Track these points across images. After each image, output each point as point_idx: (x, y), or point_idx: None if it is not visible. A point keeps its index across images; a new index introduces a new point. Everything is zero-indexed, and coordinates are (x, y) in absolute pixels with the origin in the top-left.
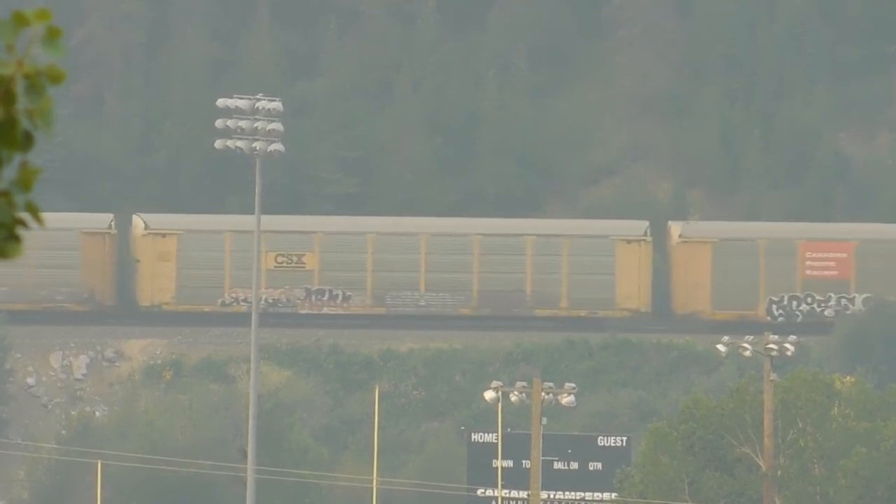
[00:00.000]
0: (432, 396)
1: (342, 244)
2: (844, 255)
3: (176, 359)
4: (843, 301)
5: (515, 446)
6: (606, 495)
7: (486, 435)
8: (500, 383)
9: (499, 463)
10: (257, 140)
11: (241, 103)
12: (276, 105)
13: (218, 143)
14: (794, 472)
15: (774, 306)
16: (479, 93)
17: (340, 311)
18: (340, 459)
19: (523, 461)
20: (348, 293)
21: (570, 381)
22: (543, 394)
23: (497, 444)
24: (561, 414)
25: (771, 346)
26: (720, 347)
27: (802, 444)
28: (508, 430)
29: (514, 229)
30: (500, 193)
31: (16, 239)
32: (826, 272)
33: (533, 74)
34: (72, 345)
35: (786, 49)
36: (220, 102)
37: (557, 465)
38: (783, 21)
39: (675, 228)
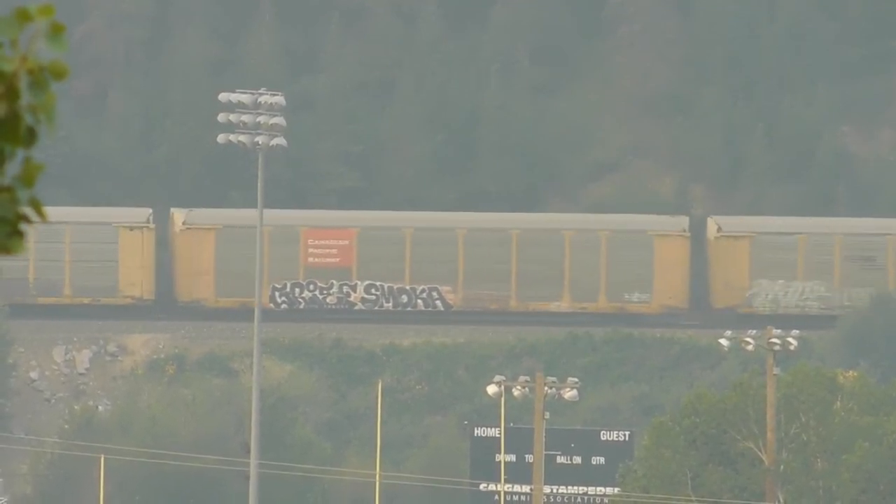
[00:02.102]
0: (435, 391)
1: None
2: (346, 242)
3: (179, 353)
4: (346, 288)
5: (518, 441)
6: (609, 490)
7: (488, 429)
8: (502, 378)
9: (501, 457)
10: (260, 134)
11: (244, 98)
12: (279, 99)
13: (220, 138)
14: (797, 466)
15: (277, 293)
16: (481, 91)
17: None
18: (343, 454)
19: (526, 456)
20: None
21: (572, 376)
22: (546, 388)
23: (500, 438)
24: (564, 408)
25: (774, 340)
26: (723, 342)
27: (805, 438)
28: (511, 424)
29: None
30: (502, 191)
31: (18, 234)
32: (328, 259)
33: (534, 73)
34: (75, 339)
35: (787, 47)
36: (223, 97)
37: (560, 460)
38: (784, 19)
39: (179, 216)
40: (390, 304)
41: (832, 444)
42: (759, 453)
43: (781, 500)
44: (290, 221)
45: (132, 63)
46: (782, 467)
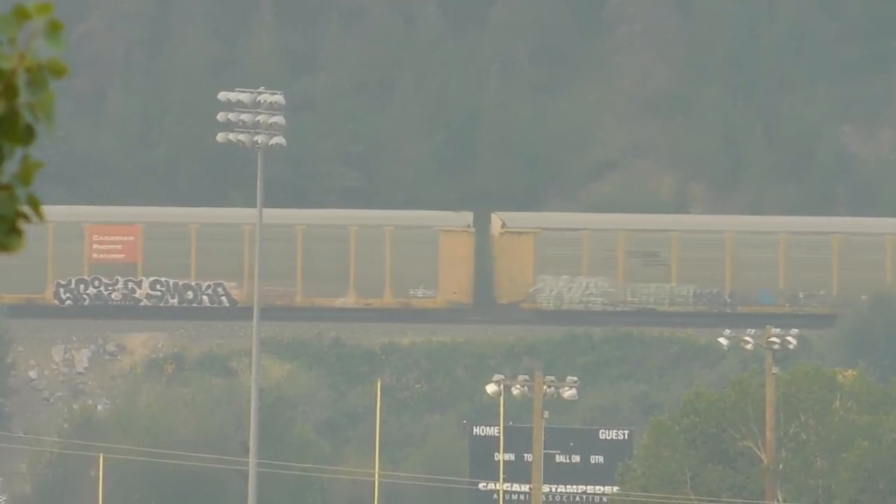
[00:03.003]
0: (434, 390)
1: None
2: (131, 238)
3: (178, 352)
4: (131, 284)
5: (517, 440)
6: (608, 489)
7: (487, 428)
8: (501, 377)
9: (500, 456)
10: (259, 134)
11: (243, 97)
12: (278, 98)
13: (219, 137)
14: (796, 465)
15: (62, 290)
16: (481, 91)
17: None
18: (342, 453)
19: (525, 455)
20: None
21: (571, 375)
22: (545, 387)
23: (499, 437)
24: (563, 407)
25: (773, 339)
26: (722, 341)
27: (804, 437)
28: (510, 423)
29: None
30: (502, 191)
31: (17, 232)
32: (113, 255)
33: (534, 73)
34: (73, 338)
35: (787, 47)
36: (222, 96)
37: (559, 459)
38: (784, 19)
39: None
40: (175, 301)
41: (831, 443)
42: (759, 452)
43: (781, 499)
44: (75, 217)
45: (132, 62)
46: (781, 466)
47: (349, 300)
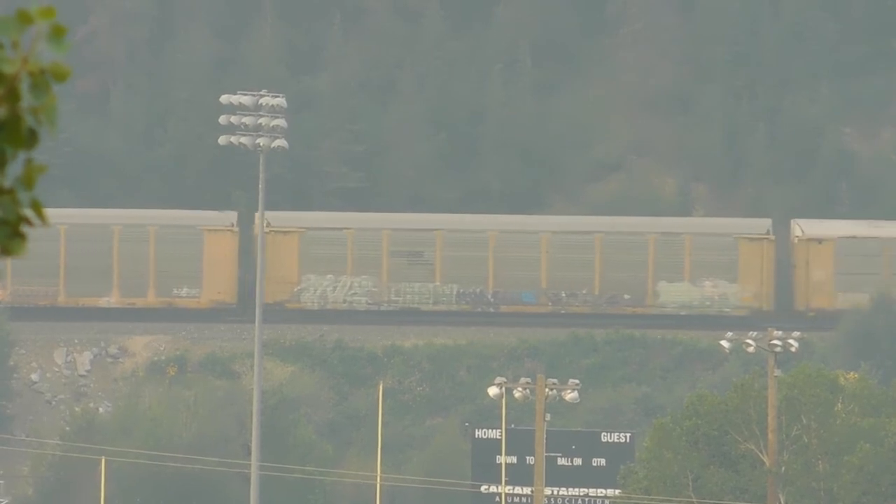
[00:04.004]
0: (436, 392)
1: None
2: None
3: (180, 355)
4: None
5: (519, 442)
6: (610, 491)
7: (489, 431)
8: (503, 379)
9: (502, 459)
10: (261, 136)
11: (245, 99)
12: (280, 101)
13: (222, 139)
14: (799, 467)
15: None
16: (484, 89)
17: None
18: (344, 455)
19: (527, 457)
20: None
21: (574, 377)
22: (547, 390)
23: (501, 440)
24: (565, 410)
25: (775, 342)
26: (724, 343)
27: (806, 439)
28: (512, 426)
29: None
30: (505, 190)
31: (20, 236)
32: None
33: (537, 71)
34: (76, 341)
35: (789, 45)
36: (224, 99)
37: (561, 462)
38: (786, 17)
39: None
40: None
41: (833, 445)
42: (761, 455)
43: (783, 502)
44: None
45: (135, 62)
46: (783, 469)
47: (113, 299)
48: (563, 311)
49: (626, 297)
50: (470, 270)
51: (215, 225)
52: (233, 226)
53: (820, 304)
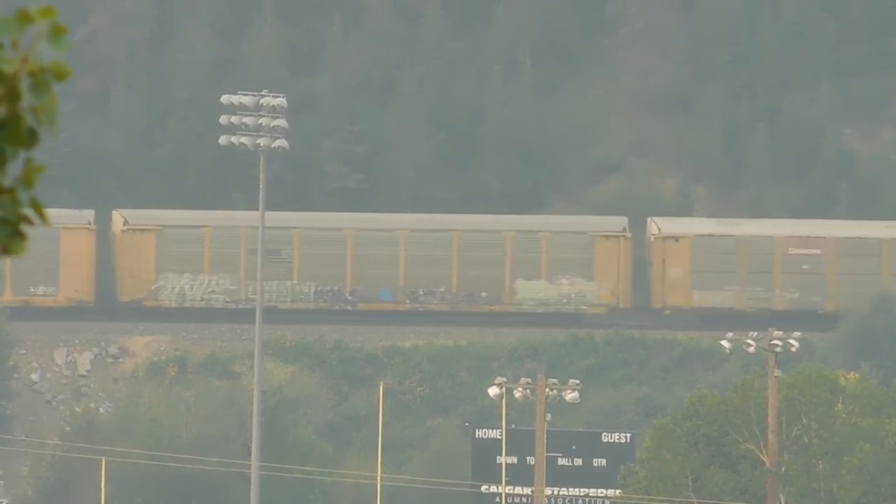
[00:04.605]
0: (436, 393)
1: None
2: None
3: (180, 355)
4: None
5: (519, 443)
6: (610, 492)
7: (490, 431)
8: (504, 379)
9: (503, 459)
10: (261, 136)
11: (245, 100)
12: (281, 101)
13: (222, 140)
14: (799, 468)
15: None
16: (484, 89)
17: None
18: (345, 456)
19: (527, 457)
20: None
21: (574, 378)
22: (547, 390)
23: (501, 440)
24: (565, 410)
25: (775, 342)
26: (724, 343)
27: (807, 440)
28: (512, 426)
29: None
30: (505, 190)
31: (20, 236)
32: None
33: (537, 71)
34: (76, 341)
35: (789, 45)
36: (225, 99)
37: (561, 462)
38: (786, 17)
39: None
40: None
41: (834, 445)
42: (761, 455)
43: (783, 502)
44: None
45: (135, 62)
46: (784, 469)
47: None
48: (420, 309)
49: (484, 294)
50: (327, 268)
51: (72, 223)
52: (90, 224)
53: (676, 302)
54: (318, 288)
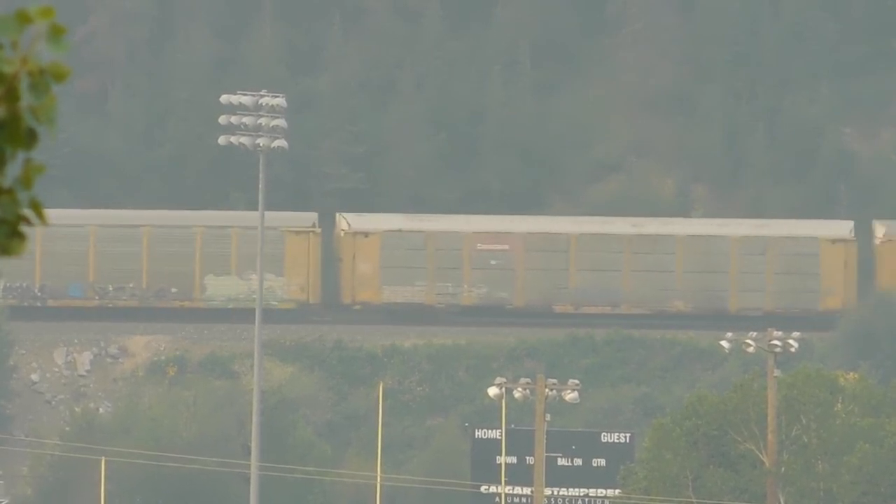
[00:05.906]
0: (436, 392)
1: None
2: None
3: (180, 355)
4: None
5: (519, 442)
6: (610, 492)
7: (489, 431)
8: (503, 379)
9: (502, 459)
10: (261, 136)
11: (245, 100)
12: (280, 101)
13: (221, 140)
14: (798, 468)
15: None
16: (484, 89)
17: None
18: (344, 456)
19: (527, 457)
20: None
21: (573, 377)
22: (547, 390)
23: (501, 440)
24: (564, 410)
25: (774, 342)
26: (724, 343)
27: (806, 440)
28: (512, 426)
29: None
30: (505, 190)
31: (19, 236)
32: None
33: (537, 71)
34: (76, 341)
35: (789, 45)
36: (224, 99)
37: (561, 462)
38: (786, 17)
39: None
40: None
41: (833, 445)
42: (760, 455)
43: (782, 502)
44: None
45: (135, 62)
46: (783, 469)
47: None
48: (109, 305)
49: (174, 290)
50: (16, 264)
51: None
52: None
53: (366, 298)
54: (8, 284)
